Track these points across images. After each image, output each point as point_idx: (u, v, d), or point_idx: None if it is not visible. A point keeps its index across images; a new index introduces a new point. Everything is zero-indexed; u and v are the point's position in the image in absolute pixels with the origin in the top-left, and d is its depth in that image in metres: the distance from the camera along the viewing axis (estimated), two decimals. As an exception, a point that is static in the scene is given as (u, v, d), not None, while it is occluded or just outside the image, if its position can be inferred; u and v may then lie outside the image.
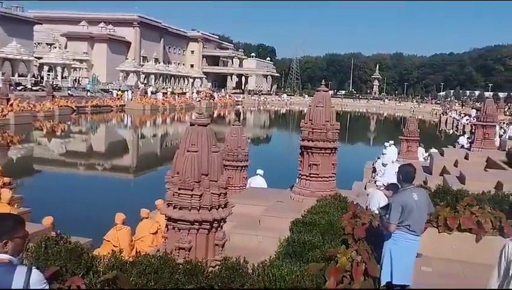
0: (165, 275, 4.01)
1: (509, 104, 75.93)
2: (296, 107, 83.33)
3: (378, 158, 18.15)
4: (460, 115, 57.24)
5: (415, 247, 5.17)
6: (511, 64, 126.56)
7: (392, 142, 19.25)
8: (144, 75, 78.96)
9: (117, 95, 59.25)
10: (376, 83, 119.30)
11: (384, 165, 15.87)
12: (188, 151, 5.08)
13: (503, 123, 29.13)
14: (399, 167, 5.50)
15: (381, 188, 8.58)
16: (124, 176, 23.45)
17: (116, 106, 53.53)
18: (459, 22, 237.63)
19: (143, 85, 69.71)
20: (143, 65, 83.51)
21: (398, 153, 19.18)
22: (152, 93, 65.04)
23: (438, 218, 7.29)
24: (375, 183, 13.74)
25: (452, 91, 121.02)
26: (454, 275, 6.77)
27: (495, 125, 18.93)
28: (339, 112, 75.64)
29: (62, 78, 60.13)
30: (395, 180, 10.19)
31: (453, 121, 55.95)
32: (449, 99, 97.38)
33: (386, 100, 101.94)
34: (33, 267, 2.77)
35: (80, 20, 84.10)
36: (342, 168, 12.39)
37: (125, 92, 60.38)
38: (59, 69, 60.21)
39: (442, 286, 6.35)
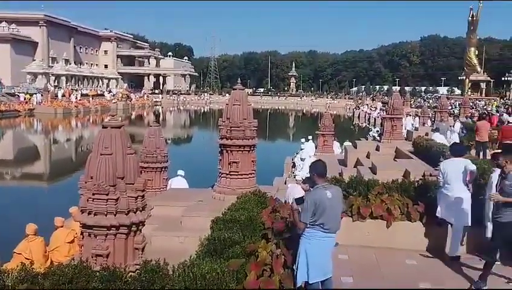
0: (80, 284, 3.86)
1: (414, 98, 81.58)
2: (216, 106, 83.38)
3: (297, 153, 18.73)
4: (371, 108, 60.50)
5: (329, 245, 5.19)
6: (414, 60, 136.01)
7: (309, 137, 19.92)
8: (54, 77, 74.76)
9: (25, 98, 55.58)
10: (293, 80, 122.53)
11: (302, 159, 16.43)
12: (101, 154, 4.90)
13: (410, 115, 31.22)
14: (310, 164, 5.53)
15: (300, 182, 8.86)
16: (36, 184, 22.12)
17: (25, 110, 50.26)
18: (367, 19, 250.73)
19: (53, 87, 65.97)
20: (52, 66, 79.05)
21: (316, 148, 19.91)
22: (63, 95, 61.73)
23: (352, 207, 7.70)
24: (294, 177, 14.16)
25: (363, 86, 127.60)
26: (368, 260, 7.18)
27: (401, 118, 20.22)
28: (259, 109, 76.90)
29: (-39, 82, 55.33)
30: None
31: (365, 114, 59.00)
32: (361, 94, 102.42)
33: (304, 97, 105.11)
34: None
35: (-22, 20, 77.78)
36: (263, 164, 12.62)
37: (34, 95, 56.77)
38: (-43, 72, 55.34)
39: (358, 271, 6.72)
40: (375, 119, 49.33)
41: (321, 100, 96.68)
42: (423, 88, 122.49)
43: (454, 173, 7.16)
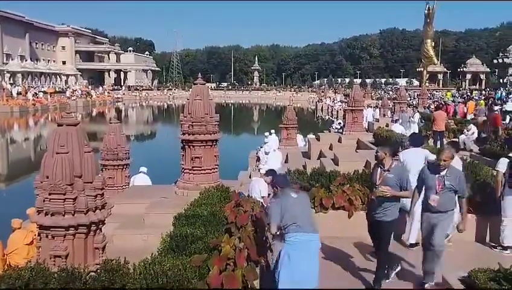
0: (37, 286, 3.75)
1: (375, 90, 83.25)
2: (179, 102, 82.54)
3: (261, 147, 18.78)
4: (333, 101, 61.36)
5: (313, 246, 4.98)
6: (374, 53, 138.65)
7: (273, 131, 20.00)
8: (9, 74, 72.08)
9: (-22, 97, 53.48)
10: (256, 74, 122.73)
11: (266, 153, 16.47)
12: (57, 153, 4.77)
13: (371, 107, 31.82)
14: (275, 177, 5.65)
15: (261, 175, 8.89)
16: (-8, 186, 21.33)
17: (-22, 110, 48.36)
18: (327, 13, 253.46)
19: (10, 85, 63.62)
20: (7, 63, 76.19)
21: (279, 141, 20.02)
22: (19, 93, 59.64)
23: (314, 199, 7.80)
24: (259, 171, 14.21)
25: (326, 79, 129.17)
26: (331, 251, 7.29)
27: (362, 110, 20.59)
28: (223, 104, 76.75)
29: None
30: (276, 167, 10.67)
31: (328, 107, 59.78)
32: (323, 87, 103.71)
33: (267, 91, 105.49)
34: None
35: None
36: (228, 159, 12.62)
37: (-12, 93, 54.67)
38: None
39: (321, 262, 6.81)
40: (337, 111, 50.04)
41: (284, 94, 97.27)
42: (383, 80, 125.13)
43: (413, 163, 7.33)
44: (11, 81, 70.28)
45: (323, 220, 7.77)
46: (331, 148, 17.00)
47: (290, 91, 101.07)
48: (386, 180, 5.77)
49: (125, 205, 8.26)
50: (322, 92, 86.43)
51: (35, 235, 8.18)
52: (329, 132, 25.23)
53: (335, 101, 58.46)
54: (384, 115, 27.96)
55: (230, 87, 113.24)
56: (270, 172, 8.23)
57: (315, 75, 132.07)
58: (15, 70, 73.69)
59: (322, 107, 63.09)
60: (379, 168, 5.95)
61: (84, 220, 4.79)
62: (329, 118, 50.98)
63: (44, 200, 4.76)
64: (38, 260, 4.55)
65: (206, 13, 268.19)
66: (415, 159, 7.38)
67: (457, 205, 6.06)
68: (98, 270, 4.26)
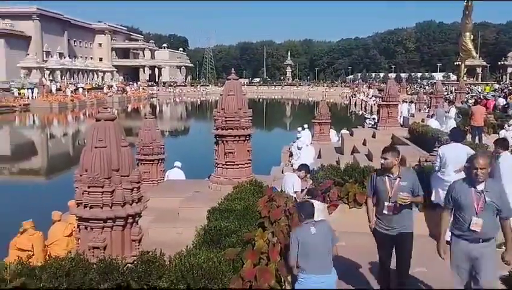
0: (77, 276, 3.88)
1: (410, 84, 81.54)
2: (212, 97, 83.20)
3: (294, 142, 18.73)
4: (367, 96, 60.52)
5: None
6: (410, 47, 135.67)
7: (306, 126, 19.92)
8: (48, 71, 74.35)
9: (19, 93, 55.36)
10: (289, 69, 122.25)
11: (299, 148, 16.42)
12: (95, 147, 4.91)
13: (406, 102, 31.23)
14: (298, 205, 5.22)
15: (295, 171, 8.88)
16: (34, 179, 22.11)
17: (20, 106, 50.06)
18: (362, 7, 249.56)
19: (50, 82, 65.64)
20: (46, 60, 78.59)
21: (312, 136, 19.92)
22: (58, 89, 61.47)
23: (348, 195, 7.73)
24: (291, 166, 14.19)
25: (359, 74, 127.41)
26: (365, 247, 7.21)
27: (397, 105, 20.24)
28: (255, 99, 76.91)
29: (-46, 78, 55.01)
30: (309, 163, 10.64)
31: (362, 102, 59.01)
32: (357, 82, 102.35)
33: (300, 86, 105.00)
34: None
35: (-30, 15, 77.12)
36: (260, 154, 12.66)
37: (27, 90, 56.50)
38: (-50, 68, 55.00)
39: (355, 258, 6.76)
40: (371, 106, 49.34)
41: (317, 89, 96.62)
42: (419, 74, 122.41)
43: (453, 158, 7.14)
44: (51, 78, 72.49)
45: (357, 216, 7.70)
46: (364, 143, 16.80)
47: (323, 86, 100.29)
48: (400, 189, 5.00)
49: (160, 199, 8.40)
50: (356, 87, 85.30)
51: (74, 227, 8.44)
52: (363, 127, 24.89)
53: (369, 96, 57.64)
54: (419, 110, 27.39)
55: (262, 82, 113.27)
56: (303, 167, 8.25)
57: (348, 70, 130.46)
58: (54, 67, 75.94)
59: (356, 102, 62.34)
60: (386, 177, 5.09)
61: (121, 213, 4.91)
62: (362, 113, 50.33)
63: (83, 193, 4.91)
64: (78, 251, 4.70)
65: (240, 9, 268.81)
66: (454, 154, 7.19)
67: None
68: (135, 262, 4.37)
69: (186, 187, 9.43)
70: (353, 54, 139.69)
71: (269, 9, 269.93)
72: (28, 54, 78.28)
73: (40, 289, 3.71)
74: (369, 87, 78.48)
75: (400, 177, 5.07)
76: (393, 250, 5.25)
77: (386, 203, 5.05)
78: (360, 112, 52.55)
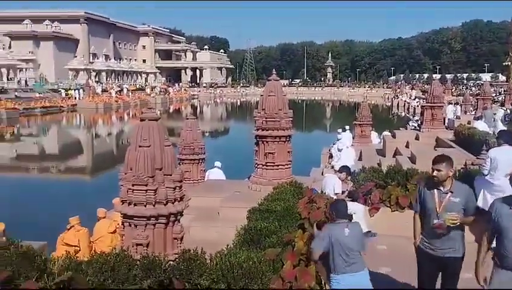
0: (122, 271, 3.99)
1: (456, 85, 79.14)
2: (252, 98, 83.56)
3: (334, 144, 18.55)
4: (410, 97, 59.13)
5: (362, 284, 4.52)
6: (455, 47, 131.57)
7: (347, 127, 19.70)
8: (94, 73, 76.86)
9: (67, 94, 57.49)
10: (329, 70, 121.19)
11: (339, 150, 16.25)
12: (140, 146, 5.03)
13: (451, 104, 30.36)
14: (332, 203, 5.05)
15: (335, 172, 8.80)
16: (80, 177, 22.90)
17: (67, 106, 51.96)
18: (405, 6, 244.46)
19: (95, 83, 67.88)
20: (93, 62, 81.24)
21: (353, 138, 19.67)
22: (103, 90, 63.45)
23: (390, 197, 7.58)
24: (332, 168, 14.06)
25: (402, 75, 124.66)
26: (407, 251, 7.05)
27: (442, 106, 19.70)
28: (296, 100, 76.70)
29: (8, 79, 57.68)
30: (349, 164, 10.51)
31: (404, 104, 57.72)
32: (400, 83, 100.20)
33: (341, 87, 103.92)
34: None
35: (23, 19, 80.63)
36: (300, 155, 12.62)
37: (74, 91, 58.60)
38: (4, 70, 57.74)
39: (397, 262, 6.62)
40: (414, 108, 48.18)
41: (358, 90, 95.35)
42: (465, 75, 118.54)
43: (505, 162, 6.79)
44: (97, 79, 74.92)
45: (399, 219, 7.54)
46: (407, 146, 16.43)
47: (364, 87, 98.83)
48: (450, 207, 4.32)
49: (201, 198, 8.51)
50: (398, 88, 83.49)
51: (118, 224, 8.68)
52: (406, 129, 24.39)
53: (412, 98, 56.29)
54: (466, 112, 26.54)
55: (302, 83, 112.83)
56: (344, 168, 8.17)
57: (391, 71, 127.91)
58: (100, 69, 78.41)
59: (398, 103, 60.99)
60: (435, 191, 4.41)
61: (163, 211, 5.02)
62: (405, 114, 49.22)
63: (127, 191, 5.04)
64: (123, 247, 4.83)
65: (280, 10, 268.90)
66: (506, 157, 6.85)
67: None
68: (177, 260, 4.45)
69: (226, 187, 9.52)
70: (396, 54, 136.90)
71: (310, 10, 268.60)
72: (76, 56, 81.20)
73: (86, 282, 3.83)
74: (412, 89, 76.65)
75: (452, 192, 4.35)
76: (437, 274, 4.60)
77: (433, 221, 4.37)
78: (403, 114, 51.41)
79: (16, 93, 50.67)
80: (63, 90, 59.52)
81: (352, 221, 4.77)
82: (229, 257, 4.18)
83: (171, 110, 63.42)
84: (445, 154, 4.72)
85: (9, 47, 74.13)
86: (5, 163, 25.42)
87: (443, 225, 4.29)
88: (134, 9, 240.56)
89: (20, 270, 3.93)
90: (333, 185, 8.02)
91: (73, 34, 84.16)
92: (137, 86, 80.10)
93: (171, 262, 4.44)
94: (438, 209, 4.34)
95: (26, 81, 64.09)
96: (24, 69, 67.25)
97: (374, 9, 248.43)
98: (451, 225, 4.28)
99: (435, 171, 4.38)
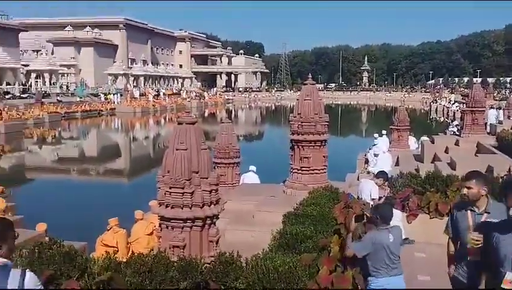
0: (159, 273, 4.05)
1: (498, 89, 76.60)
2: (287, 103, 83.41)
3: (370, 149, 18.28)
4: (449, 102, 57.63)
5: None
6: (498, 50, 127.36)
7: (383, 132, 19.39)
8: (132, 78, 78.62)
9: (106, 98, 59.04)
10: (365, 74, 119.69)
11: (375, 155, 16.00)
12: (177, 149, 5.11)
13: (493, 108, 29.39)
14: (375, 207, 4.93)
15: (372, 178, 8.65)
16: (118, 179, 23.42)
17: (107, 110, 53.31)
18: (444, 9, 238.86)
19: (133, 88, 69.44)
20: (131, 67, 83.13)
21: (390, 143, 19.34)
22: (141, 95, 64.82)
23: (429, 204, 7.40)
24: (368, 173, 13.85)
25: (441, 79, 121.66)
26: (446, 259, 6.86)
27: (483, 111, 19.11)
28: (331, 105, 76.06)
29: (50, 84, 59.75)
30: (386, 170, 10.33)
31: (443, 108, 56.31)
32: (438, 87, 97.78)
33: (377, 91, 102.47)
34: (27, 271, 2.81)
35: (65, 25, 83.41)
36: (335, 160, 12.50)
37: (114, 95, 60.10)
38: (46, 75, 59.84)
39: (436, 270, 6.45)
40: (454, 113, 46.92)
41: (395, 94, 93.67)
42: (508, 79, 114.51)
43: None
44: (135, 84, 76.59)
45: (438, 227, 7.33)
46: (446, 151, 16.01)
47: (402, 91, 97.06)
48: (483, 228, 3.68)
49: (236, 202, 8.55)
50: (437, 92, 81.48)
51: (155, 226, 8.83)
52: (445, 134, 23.76)
53: (451, 102, 54.84)
54: (509, 117, 25.58)
55: (338, 87, 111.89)
56: (382, 174, 8.02)
57: (429, 75, 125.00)
58: (138, 74, 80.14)
59: (437, 108, 59.54)
60: (469, 212, 3.89)
61: (200, 214, 5.07)
62: (444, 119, 48.00)
63: (165, 194, 5.12)
64: (160, 249, 4.91)
65: (316, 14, 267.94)
66: None
67: None
68: (213, 262, 4.48)
69: (261, 191, 9.53)
70: (435, 58, 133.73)
71: (345, 14, 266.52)
72: (115, 62, 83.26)
73: (125, 283, 3.91)
74: (452, 93, 74.67)
75: (488, 213, 3.81)
76: None
77: (466, 245, 3.84)
78: (442, 119, 50.17)
79: (58, 98, 52.38)
80: (102, 95, 61.16)
81: (393, 225, 4.72)
82: (264, 261, 4.18)
83: (206, 115, 64.08)
84: (477, 170, 4.23)
85: (52, 53, 76.76)
86: (47, 165, 26.30)
87: (472, 249, 3.69)
88: (172, 15, 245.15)
89: (62, 269, 4.05)
90: (370, 191, 7.89)
91: (113, 40, 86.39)
92: (174, 91, 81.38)
93: (207, 265, 4.48)
94: (470, 230, 3.80)
95: (67, 86, 66.23)
96: (66, 74, 69.52)
97: (412, 12, 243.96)
98: (475, 247, 3.67)
99: (465, 189, 3.93)
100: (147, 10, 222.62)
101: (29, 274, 2.76)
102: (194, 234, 5.08)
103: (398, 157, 16.33)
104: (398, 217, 7.23)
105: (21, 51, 70.86)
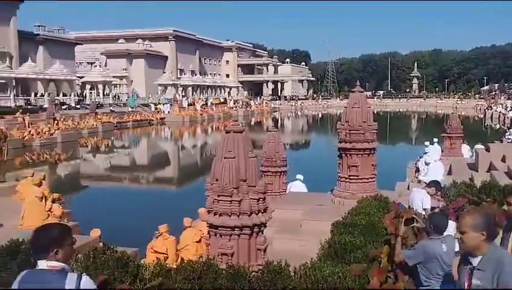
0: (208, 280, 4.09)
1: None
2: (334, 111, 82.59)
3: (421, 157, 17.76)
4: (506, 108, 55.16)
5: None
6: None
7: (435, 140, 18.82)
8: (181, 88, 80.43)
9: (156, 108, 60.69)
10: (415, 81, 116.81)
11: (427, 163, 15.53)
12: (225, 158, 5.16)
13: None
14: (429, 216, 4.76)
15: (424, 187, 8.40)
16: (167, 187, 23.93)
17: (156, 119, 54.76)
18: (499, 12, 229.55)
19: (182, 97, 71.05)
20: (180, 78, 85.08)
21: (442, 151, 18.74)
22: (190, 104, 66.20)
23: (485, 215, 7.07)
24: (418, 182, 13.46)
25: (496, 85, 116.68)
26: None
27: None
28: (379, 112, 74.66)
29: (103, 95, 62.15)
30: (438, 179, 10.00)
31: (499, 115, 53.96)
32: (493, 93, 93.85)
33: (427, 98, 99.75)
34: (83, 274, 2.92)
35: (118, 38, 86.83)
36: (384, 169, 12.25)
37: (163, 105, 61.72)
38: (100, 86, 62.28)
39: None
40: (510, 119, 44.87)
41: (447, 101, 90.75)
42: None
43: None
44: (183, 94, 78.32)
45: (497, 238, 7.01)
46: (503, 160, 15.27)
47: (454, 98, 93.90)
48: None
49: (283, 211, 8.52)
50: (492, 98, 78.24)
51: (203, 233, 8.93)
52: (501, 142, 22.75)
53: (508, 109, 52.47)
54: None
55: (385, 95, 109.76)
56: (434, 183, 7.77)
57: (483, 81, 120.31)
58: (186, 84, 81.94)
59: (492, 115, 57.14)
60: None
61: (247, 222, 5.09)
62: (500, 126, 45.96)
63: (213, 201, 5.18)
64: (209, 256, 4.96)
65: (362, 21, 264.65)
66: None
67: None
68: (260, 271, 4.48)
69: (308, 200, 9.46)
70: (489, 63, 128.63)
71: (394, 20, 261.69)
72: (165, 72, 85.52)
73: (175, 289, 3.98)
74: (508, 99, 71.40)
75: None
76: None
77: None
78: (497, 126, 48.07)
79: (111, 108, 54.39)
80: (152, 105, 62.95)
81: (446, 235, 4.56)
82: (313, 271, 4.13)
83: (252, 123, 64.47)
84: None
85: (106, 65, 79.88)
86: (100, 173, 27.28)
87: None
88: (219, 25, 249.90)
89: (115, 274, 4.17)
90: (421, 200, 7.66)
91: (163, 51, 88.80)
92: (220, 100, 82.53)
93: (255, 273, 4.48)
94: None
95: (119, 96, 68.65)
96: (118, 85, 72.10)
97: (463, 16, 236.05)
98: None
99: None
100: (195, 21, 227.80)
101: (85, 277, 2.87)
102: (242, 242, 5.10)
103: (450, 166, 15.78)
104: (451, 228, 6.97)
105: (76, 63, 74.27)
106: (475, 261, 3.04)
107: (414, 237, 5.61)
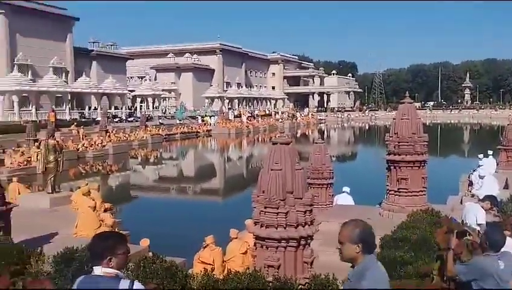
0: (254, 292, 4.09)
1: None
2: (381, 122, 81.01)
3: (474, 170, 17.08)
4: None
5: None
6: None
7: (490, 152, 18.06)
8: (227, 100, 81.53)
9: (202, 121, 61.77)
10: (467, 91, 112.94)
11: (481, 177, 14.92)
12: (272, 169, 5.17)
13: None
14: (486, 230, 4.56)
15: (478, 201, 8.06)
16: (213, 198, 24.19)
17: (203, 131, 55.68)
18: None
19: (228, 110, 71.99)
20: (226, 90, 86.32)
21: (497, 164, 17.96)
22: (236, 116, 66.92)
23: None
24: (472, 196, 12.93)
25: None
26: None
27: None
28: (429, 124, 72.62)
29: (153, 108, 63.95)
30: (494, 193, 9.57)
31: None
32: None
33: (480, 109, 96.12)
34: (135, 281, 3.01)
35: (167, 53, 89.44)
36: (435, 182, 11.87)
37: (210, 117, 62.75)
38: (150, 99, 64.17)
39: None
40: None
41: (502, 112, 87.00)
42: None
43: None
44: (229, 106, 79.37)
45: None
46: None
47: (510, 109, 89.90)
48: None
49: (330, 223, 8.40)
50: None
51: (249, 245, 8.95)
52: None
53: None
54: None
55: (435, 106, 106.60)
56: (489, 197, 7.44)
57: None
58: (232, 96, 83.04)
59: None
60: None
61: (294, 234, 5.06)
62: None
63: (260, 213, 5.19)
64: (255, 268, 4.96)
65: (411, 31, 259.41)
66: None
67: None
68: (307, 284, 4.43)
69: (355, 213, 9.29)
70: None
71: (444, 30, 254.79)
72: (211, 85, 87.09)
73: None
74: None
75: None
76: None
77: None
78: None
79: (160, 120, 55.87)
80: (199, 117, 64.15)
81: (503, 251, 4.33)
82: (362, 286, 4.03)
83: (298, 135, 64.27)
84: None
85: (155, 79, 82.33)
86: (150, 184, 27.96)
87: None
88: (265, 37, 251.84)
89: (164, 283, 4.25)
90: (475, 215, 7.34)
91: (210, 65, 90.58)
92: (266, 112, 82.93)
93: (302, 286, 4.44)
94: None
95: (166, 109, 70.45)
96: (167, 98, 74.01)
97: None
98: None
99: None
100: (242, 34, 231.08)
101: (137, 284, 2.96)
102: (289, 254, 5.07)
103: (506, 180, 15.08)
104: (509, 245, 6.64)
105: (128, 77, 76.99)
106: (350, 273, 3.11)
107: (469, 253, 5.39)
